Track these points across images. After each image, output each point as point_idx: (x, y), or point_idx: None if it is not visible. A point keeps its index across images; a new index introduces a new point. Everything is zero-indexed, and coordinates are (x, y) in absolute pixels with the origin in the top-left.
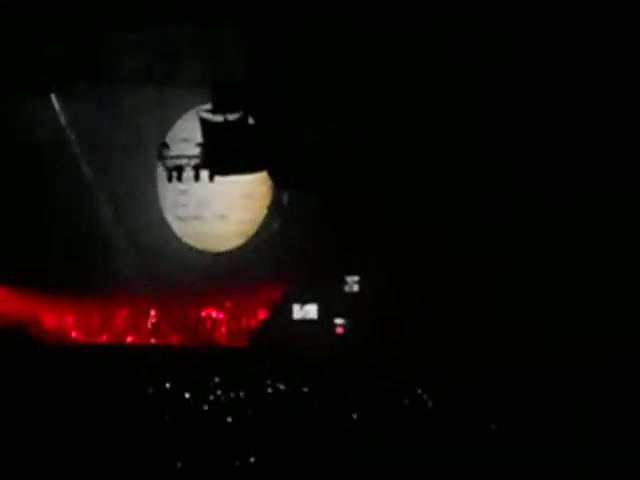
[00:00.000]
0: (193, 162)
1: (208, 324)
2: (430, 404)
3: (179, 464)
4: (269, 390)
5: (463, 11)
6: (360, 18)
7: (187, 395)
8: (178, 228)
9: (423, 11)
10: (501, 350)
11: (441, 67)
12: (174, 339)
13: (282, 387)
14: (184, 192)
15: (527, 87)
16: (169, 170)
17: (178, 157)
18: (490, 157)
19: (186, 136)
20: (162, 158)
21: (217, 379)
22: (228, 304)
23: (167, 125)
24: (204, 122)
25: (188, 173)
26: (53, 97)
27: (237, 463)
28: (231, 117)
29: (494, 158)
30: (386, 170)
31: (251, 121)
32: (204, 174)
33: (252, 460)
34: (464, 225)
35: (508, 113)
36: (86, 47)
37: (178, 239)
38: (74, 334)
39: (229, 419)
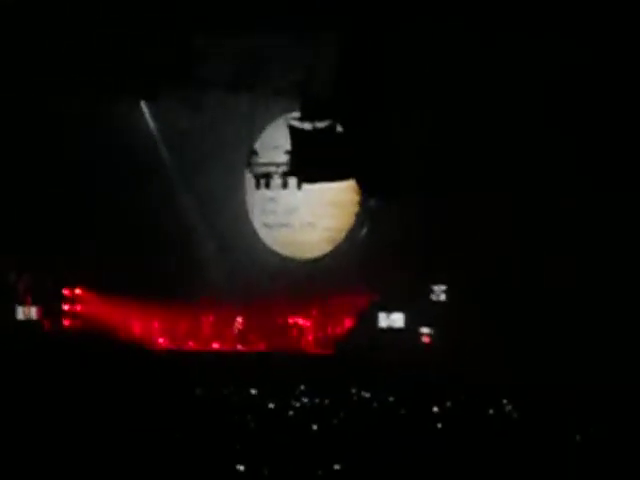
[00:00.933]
0: (281, 170)
1: (294, 331)
2: (515, 415)
3: (265, 471)
4: (354, 398)
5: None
6: (446, 22)
7: (272, 402)
8: (266, 235)
9: (513, 15)
10: (590, 361)
11: (531, 68)
12: (260, 346)
13: (367, 395)
14: (272, 199)
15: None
16: (257, 177)
17: (266, 164)
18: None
19: (275, 144)
20: (251, 165)
21: (303, 386)
22: (315, 312)
23: (256, 132)
24: (293, 130)
25: (276, 181)
26: (144, 103)
27: (320, 471)
28: (319, 125)
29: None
30: (475, 177)
31: (339, 129)
32: (292, 182)
33: (336, 467)
34: (556, 232)
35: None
36: (177, 53)
37: (265, 246)
38: (161, 340)
39: (314, 426)
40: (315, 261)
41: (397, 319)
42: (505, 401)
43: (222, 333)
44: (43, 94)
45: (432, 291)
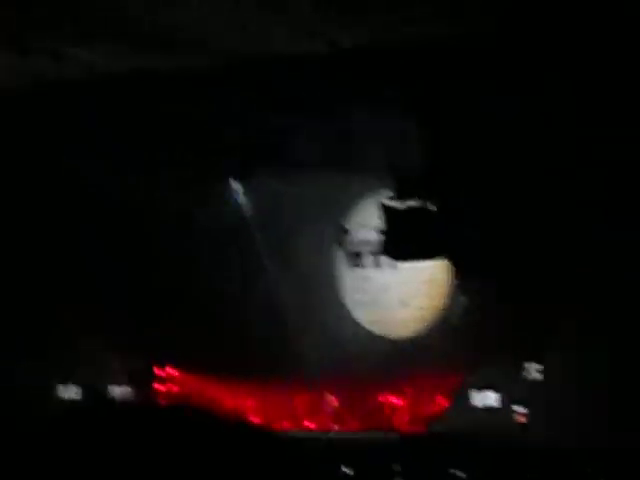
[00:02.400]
0: (373, 248)
1: (387, 410)
2: None
3: None
4: (449, 479)
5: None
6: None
7: None
8: (358, 314)
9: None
10: None
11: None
12: (354, 425)
13: (462, 475)
14: (364, 278)
15: None
16: (349, 255)
17: (358, 243)
18: None
19: (366, 222)
20: (342, 244)
21: (397, 466)
22: (407, 390)
23: (347, 210)
24: (384, 208)
25: (368, 259)
26: (231, 181)
27: None
28: (412, 204)
29: None
30: (563, 251)
31: (432, 207)
32: (385, 260)
33: None
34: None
35: None
36: (264, 131)
37: (358, 324)
38: (254, 418)
39: None
40: (408, 340)
41: (490, 397)
42: None
43: (316, 412)
44: (134, 175)
45: (525, 369)
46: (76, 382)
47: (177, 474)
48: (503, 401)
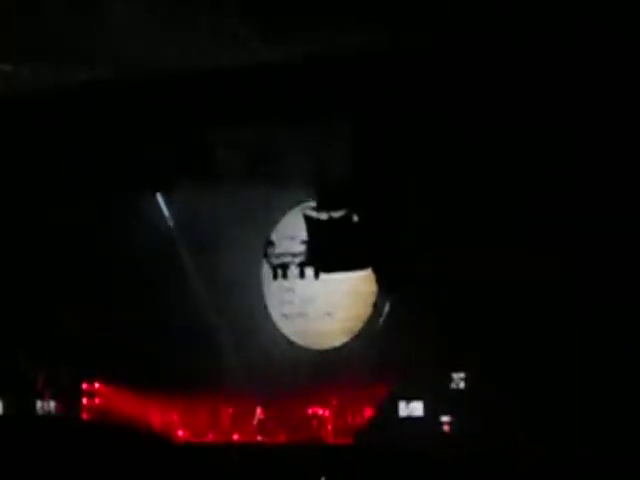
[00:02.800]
0: (298, 260)
1: (314, 422)
2: None
3: None
4: None
5: None
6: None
7: None
8: (283, 325)
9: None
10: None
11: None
12: (280, 437)
13: None
14: (289, 289)
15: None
16: (274, 268)
17: (283, 254)
18: None
19: (291, 234)
20: (267, 256)
21: (323, 478)
22: (334, 401)
23: (271, 223)
24: (308, 219)
25: (293, 271)
26: (157, 195)
27: None
28: (336, 215)
29: None
30: (494, 266)
31: (355, 218)
32: (309, 272)
33: None
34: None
35: None
36: (190, 143)
37: (283, 336)
38: (180, 432)
39: None
40: (333, 351)
41: (417, 408)
42: None
43: (242, 425)
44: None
45: (451, 379)
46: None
47: None
48: (429, 411)
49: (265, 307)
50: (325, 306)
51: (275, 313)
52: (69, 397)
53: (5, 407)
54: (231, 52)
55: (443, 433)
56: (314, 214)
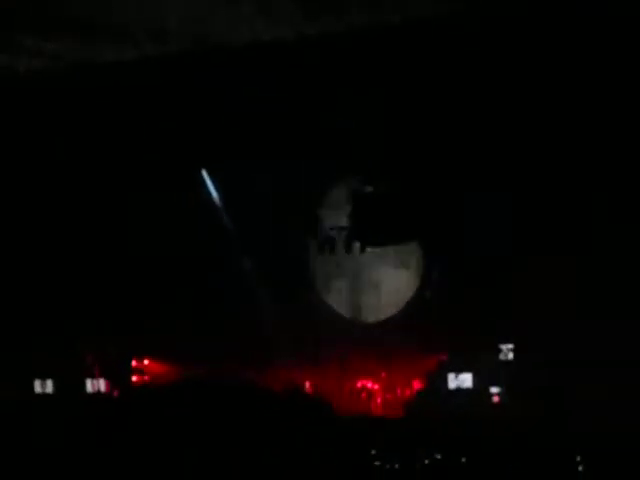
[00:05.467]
0: (344, 233)
1: (363, 395)
2: (589, 475)
3: None
4: (426, 461)
5: None
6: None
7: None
8: (331, 299)
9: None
10: None
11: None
12: None
13: (439, 457)
14: (336, 263)
15: None
16: (321, 242)
17: (330, 229)
18: None
19: (337, 208)
20: (314, 230)
21: (374, 450)
22: (383, 374)
23: (318, 197)
24: (355, 193)
25: (340, 245)
26: (204, 171)
27: None
28: (381, 187)
29: None
30: (540, 237)
31: (401, 191)
32: (356, 245)
33: None
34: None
35: None
36: (235, 120)
37: (331, 310)
38: None
39: None
40: (382, 324)
41: (466, 379)
42: (578, 459)
43: None
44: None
45: (500, 350)
46: (54, 376)
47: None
48: (478, 382)
49: (312, 281)
50: (372, 279)
51: (322, 287)
52: (118, 375)
53: (55, 386)
54: (273, 28)
55: (492, 404)
56: (360, 187)
